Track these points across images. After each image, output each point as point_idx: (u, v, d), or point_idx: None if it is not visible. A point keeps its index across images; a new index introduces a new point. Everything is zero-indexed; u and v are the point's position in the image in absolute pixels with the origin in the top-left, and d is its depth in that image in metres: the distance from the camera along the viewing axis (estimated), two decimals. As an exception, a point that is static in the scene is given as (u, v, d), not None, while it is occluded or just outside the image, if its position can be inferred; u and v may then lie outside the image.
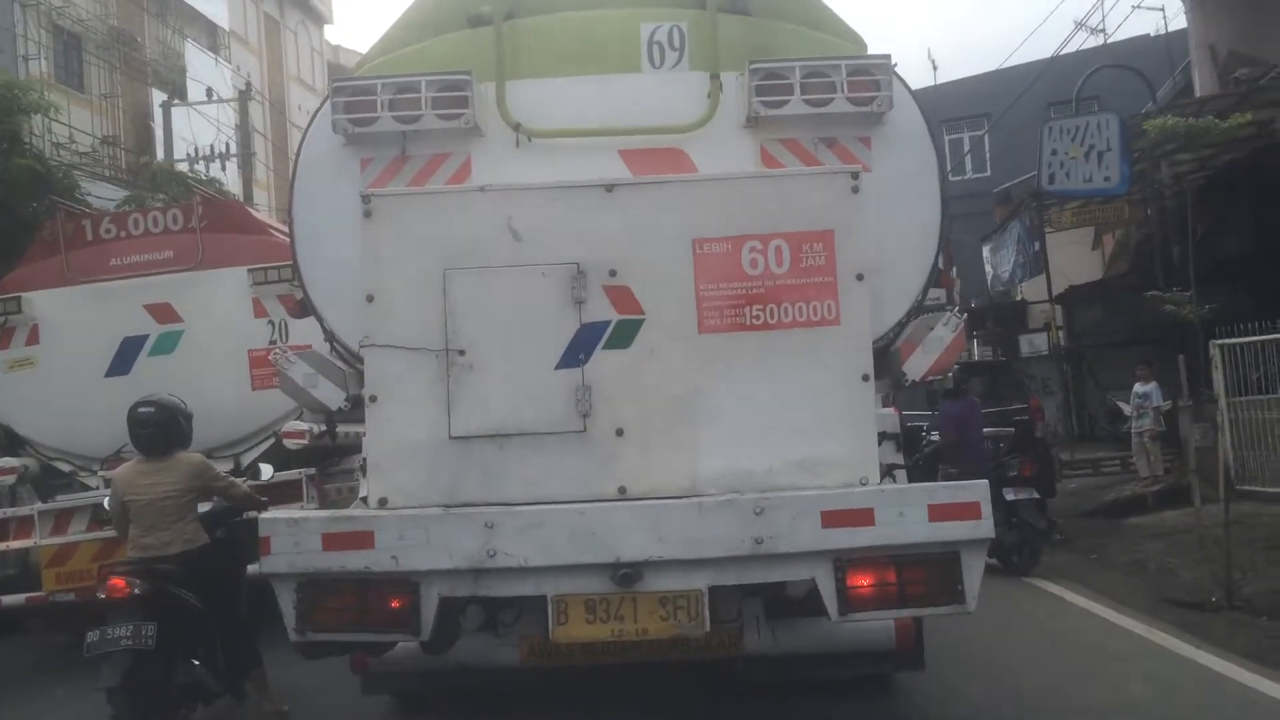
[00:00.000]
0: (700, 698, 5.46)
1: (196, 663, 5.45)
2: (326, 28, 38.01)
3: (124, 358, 8.05)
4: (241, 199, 20.64)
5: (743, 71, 4.76)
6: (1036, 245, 18.67)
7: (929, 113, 5.07)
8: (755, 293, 4.25)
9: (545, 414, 4.25)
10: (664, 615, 4.09)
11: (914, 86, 5.09)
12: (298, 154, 5.17)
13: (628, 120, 4.81)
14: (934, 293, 5.46)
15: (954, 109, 28.44)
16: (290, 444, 7.69)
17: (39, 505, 7.87)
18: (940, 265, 5.07)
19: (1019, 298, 23.34)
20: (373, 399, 4.31)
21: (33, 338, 8.19)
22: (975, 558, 4.07)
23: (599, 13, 5.02)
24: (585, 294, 4.27)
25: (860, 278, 4.25)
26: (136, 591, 5.15)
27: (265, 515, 4.30)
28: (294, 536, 4.12)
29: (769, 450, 4.21)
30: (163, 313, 8.12)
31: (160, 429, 5.66)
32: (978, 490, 4.06)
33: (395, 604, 4.11)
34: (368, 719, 5.77)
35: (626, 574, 4.03)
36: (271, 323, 8.01)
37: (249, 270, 8.05)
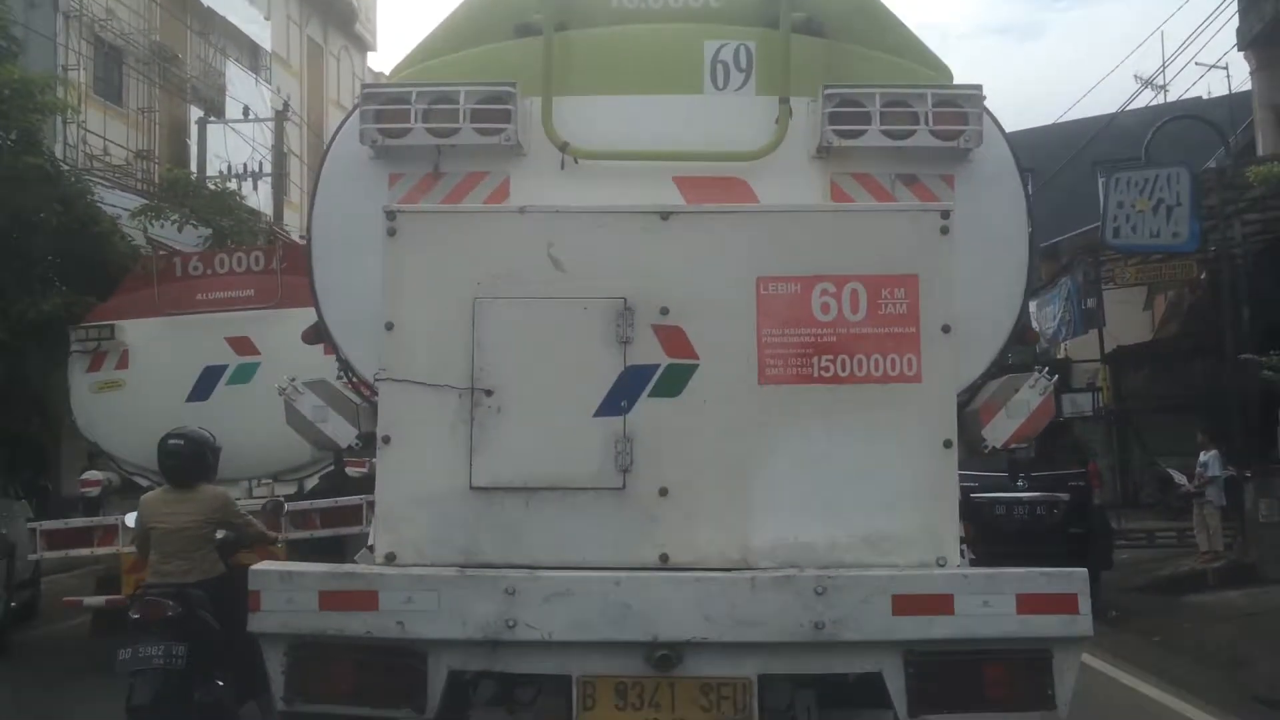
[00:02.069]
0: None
1: (221, 684, 5.63)
2: (369, 55, 38.31)
3: (204, 385, 8.77)
4: (272, 218, 20.63)
5: (815, 97, 4.31)
6: (1088, 302, 18.09)
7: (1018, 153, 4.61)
8: (826, 341, 3.77)
9: (580, 467, 3.76)
10: (705, 705, 3.58)
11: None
12: (320, 166, 4.75)
13: (685, 145, 4.37)
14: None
15: None
16: (352, 472, 8.02)
17: (122, 515, 8.18)
18: (1025, 320, 4.58)
19: (1062, 355, 22.67)
20: (385, 439, 3.84)
21: (122, 362, 8.97)
22: (1070, 657, 3.56)
23: (659, 27, 4.58)
24: (632, 333, 3.80)
25: (946, 330, 3.76)
26: (169, 614, 5.35)
27: (256, 567, 3.81)
28: (287, 592, 3.64)
29: (833, 521, 3.71)
30: (242, 345, 8.82)
31: (187, 461, 5.85)
32: (1075, 580, 3.53)
33: (399, 675, 3.60)
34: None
35: (665, 655, 3.52)
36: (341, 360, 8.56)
37: None
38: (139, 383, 8.82)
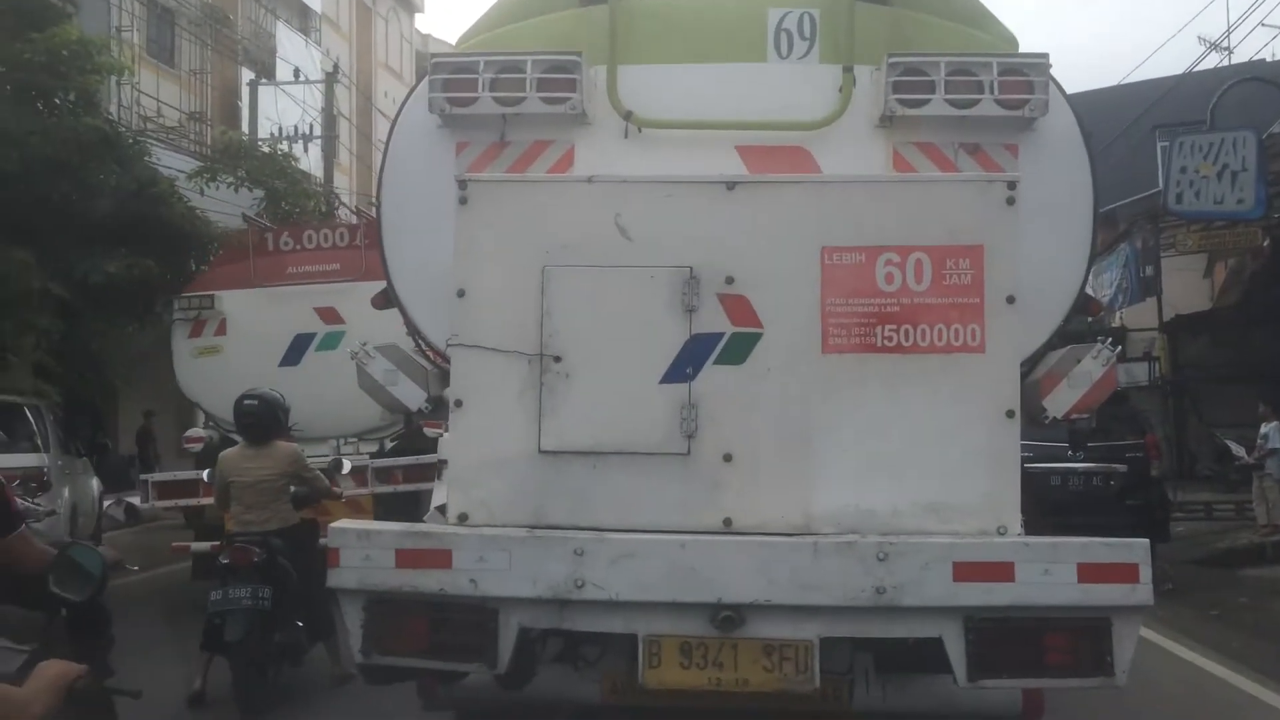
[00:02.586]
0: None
1: (300, 624, 6.25)
2: (418, 16, 38.37)
3: (295, 351, 9.53)
4: (322, 181, 20.94)
5: (879, 65, 4.31)
6: (1147, 270, 17.73)
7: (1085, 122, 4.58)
8: (889, 311, 3.79)
9: (646, 432, 3.83)
10: (768, 666, 3.66)
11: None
12: (389, 135, 4.84)
13: (748, 113, 4.40)
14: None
15: None
16: (430, 433, 8.37)
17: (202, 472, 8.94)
18: (1088, 291, 4.58)
19: (1118, 324, 22.11)
20: (458, 404, 3.94)
21: (220, 329, 9.80)
22: (1129, 626, 3.59)
23: None
24: (697, 302, 3.85)
25: (1010, 300, 3.77)
26: (256, 559, 5.84)
27: (335, 525, 3.94)
28: (365, 550, 3.76)
29: (895, 488, 3.76)
30: (329, 315, 9.56)
31: (262, 420, 6.43)
32: (1138, 551, 3.57)
33: (471, 632, 3.73)
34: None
35: (729, 617, 3.61)
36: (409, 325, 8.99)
37: None
38: (236, 348, 9.60)
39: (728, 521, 3.78)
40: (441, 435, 7.81)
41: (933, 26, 4.56)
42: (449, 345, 4.00)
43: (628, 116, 4.37)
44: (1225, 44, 18.06)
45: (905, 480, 3.76)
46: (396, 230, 4.63)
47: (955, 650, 3.58)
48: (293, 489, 6.44)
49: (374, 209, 5.39)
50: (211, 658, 6.08)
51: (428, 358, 4.71)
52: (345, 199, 24.81)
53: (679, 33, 4.53)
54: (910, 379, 3.79)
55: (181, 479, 9.45)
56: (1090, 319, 22.24)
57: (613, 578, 3.64)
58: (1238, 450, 13.54)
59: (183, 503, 9.34)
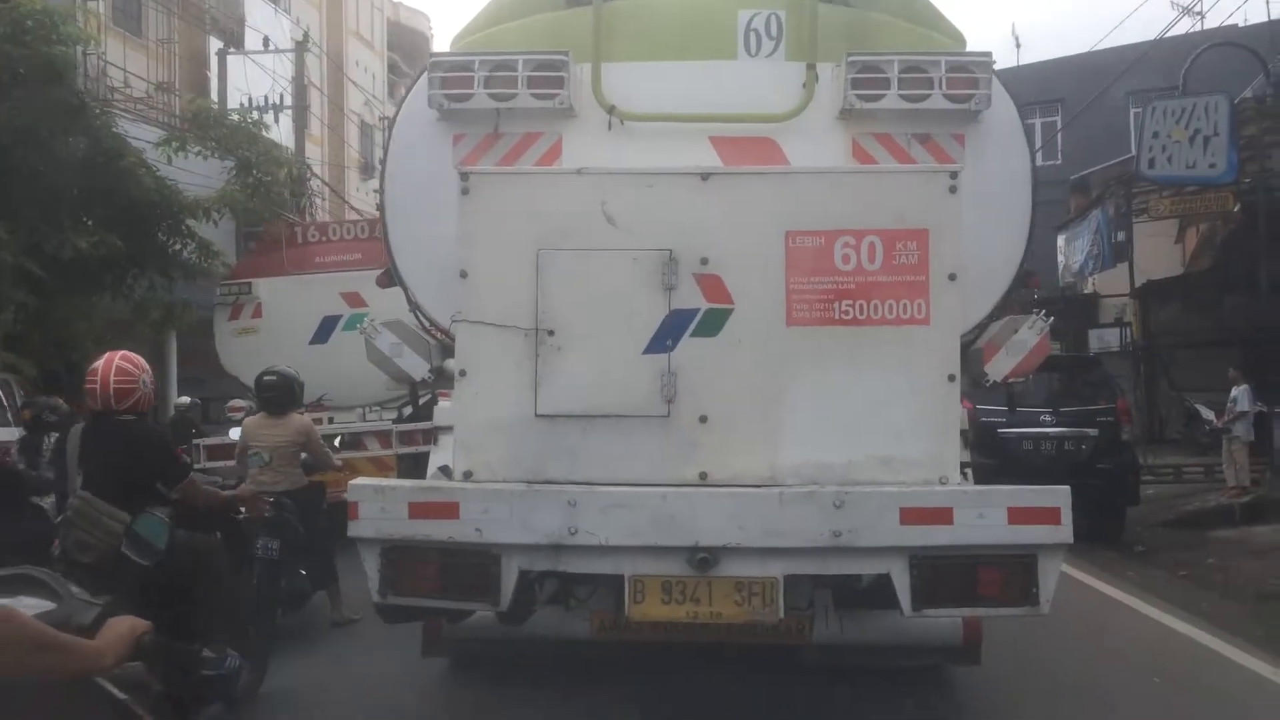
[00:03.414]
0: (756, 678, 5.52)
1: (304, 573, 6.95)
2: (389, -15, 38.02)
3: (324, 331, 11.08)
4: (293, 151, 20.76)
5: (839, 63, 4.77)
6: (1119, 235, 17.98)
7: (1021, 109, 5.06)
8: (845, 288, 4.26)
9: (630, 397, 4.30)
10: (738, 600, 4.15)
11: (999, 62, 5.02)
12: (390, 127, 5.27)
13: (721, 107, 4.84)
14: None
15: (1028, 94, 27.55)
16: (443, 401, 9.21)
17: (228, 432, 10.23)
18: (1027, 266, 5.08)
19: (1089, 290, 22.43)
20: (462, 373, 4.39)
21: (256, 312, 11.51)
22: (1052, 561, 4.09)
23: None
24: (675, 281, 4.30)
25: (952, 278, 4.25)
26: (267, 514, 6.34)
27: (354, 482, 4.41)
28: (381, 503, 4.22)
29: (850, 445, 4.24)
30: (353, 299, 10.93)
31: (280, 393, 7.26)
32: (1059, 496, 4.07)
33: (476, 574, 4.21)
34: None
35: (704, 558, 4.09)
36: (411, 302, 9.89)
37: None
38: (270, 329, 11.26)
39: (703, 475, 4.26)
40: (438, 404, 8.54)
41: (888, 26, 5.02)
42: (454, 322, 4.45)
43: (611, 110, 4.81)
44: (1197, 8, 18.14)
45: (859, 437, 4.24)
46: (399, 215, 5.08)
47: (901, 585, 4.08)
48: (303, 456, 7.19)
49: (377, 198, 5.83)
50: None
51: (429, 332, 5.17)
52: (317, 169, 24.60)
53: (657, 32, 4.97)
54: (864, 348, 4.26)
55: (227, 442, 10.09)
56: (1066, 284, 22.39)
57: (602, 525, 4.12)
58: (1207, 414, 13.76)
59: (227, 463, 10.00)
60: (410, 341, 5.04)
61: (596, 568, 4.25)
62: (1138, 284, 18.72)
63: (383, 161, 5.26)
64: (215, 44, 22.73)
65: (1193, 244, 19.72)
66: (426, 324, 5.14)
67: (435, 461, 5.14)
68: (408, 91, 5.24)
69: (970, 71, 4.73)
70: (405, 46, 40.92)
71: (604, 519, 4.13)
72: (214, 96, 21.18)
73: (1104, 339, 21.07)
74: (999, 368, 4.74)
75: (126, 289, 12.45)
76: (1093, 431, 11.17)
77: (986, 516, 4.03)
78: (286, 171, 17.53)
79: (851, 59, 4.71)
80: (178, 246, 12.65)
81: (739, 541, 4.09)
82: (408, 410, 9.95)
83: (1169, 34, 19.68)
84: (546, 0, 5.16)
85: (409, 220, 5.05)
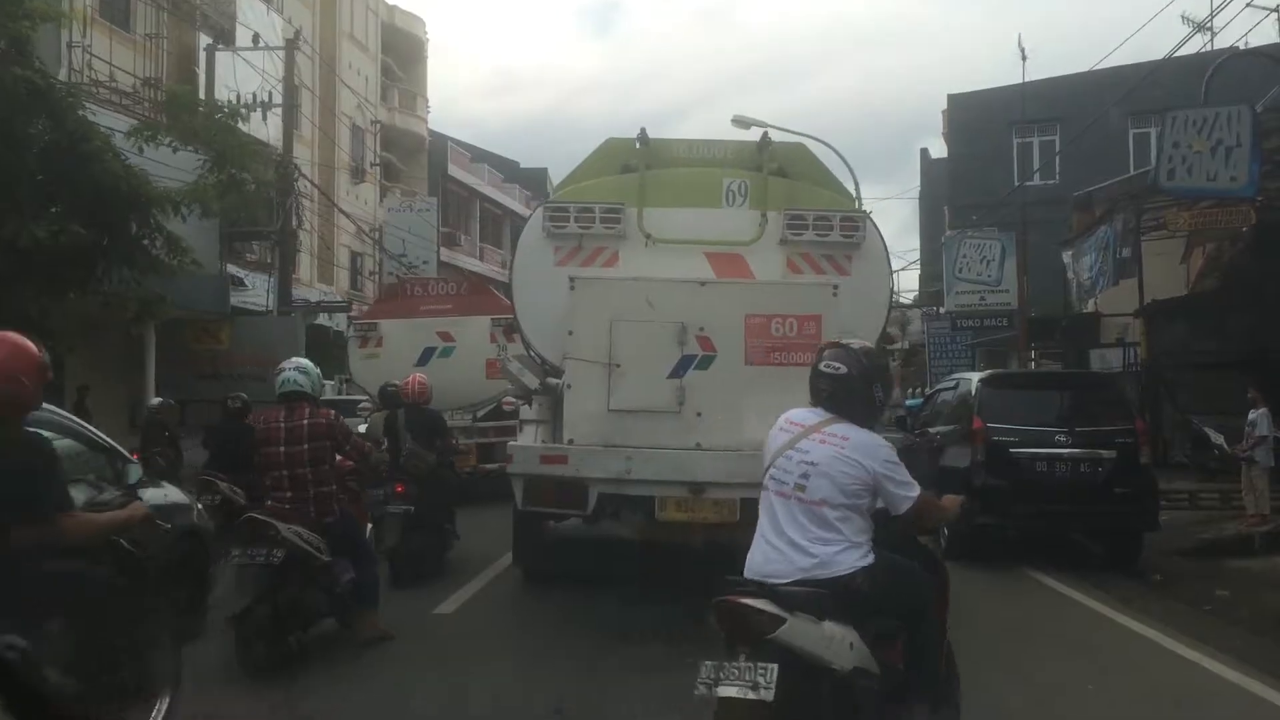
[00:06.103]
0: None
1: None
2: (382, -14, 37.25)
3: (424, 357, 15.04)
4: (281, 151, 20.95)
5: (780, 211, 8.37)
6: (1124, 251, 16.83)
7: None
8: (777, 345, 7.81)
9: (659, 401, 7.84)
10: (715, 509, 7.73)
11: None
12: (516, 244, 8.94)
13: (712, 236, 8.41)
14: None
15: (1028, 112, 27.32)
16: (506, 407, 14.42)
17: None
18: (888, 333, 8.74)
19: (1092, 309, 21.52)
20: (569, 386, 8.00)
21: (379, 343, 15.79)
22: None
23: (698, 170, 8.70)
24: (686, 339, 7.86)
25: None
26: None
27: (512, 442, 8.11)
28: (523, 455, 7.87)
29: None
30: (445, 336, 15.48)
31: (394, 397, 10.72)
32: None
33: (575, 495, 7.80)
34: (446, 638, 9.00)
35: (699, 488, 7.69)
36: (498, 345, 13.93)
37: (491, 318, 15.31)
38: (389, 355, 15.32)
39: (698, 444, 7.81)
40: (521, 408, 11.95)
41: (808, 190, 8.66)
42: (565, 359, 8.05)
43: (648, 236, 8.43)
44: (1209, 25, 16.29)
45: None
46: (522, 293, 8.70)
47: None
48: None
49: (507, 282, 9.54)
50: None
51: (536, 363, 8.79)
52: (305, 170, 24.13)
53: (676, 190, 8.56)
54: (788, 378, 7.62)
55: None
56: (1073, 300, 22.35)
57: (644, 469, 7.67)
58: (1217, 438, 13.07)
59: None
60: (528, 366, 8.67)
61: (641, 491, 7.79)
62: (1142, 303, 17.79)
63: (511, 263, 8.89)
64: (205, 40, 22.31)
65: (1198, 264, 18.68)
66: (537, 358, 8.75)
67: (521, 441, 8.63)
68: (529, 220, 8.90)
69: (854, 220, 8.39)
70: (400, 50, 40.77)
71: (645, 465, 7.69)
72: (201, 94, 18.72)
73: (1106, 359, 20.18)
74: None
75: (95, 283, 11.67)
76: (1109, 453, 10.49)
77: None
78: (273, 171, 18.64)
79: (787, 210, 8.33)
80: (146, 241, 11.89)
81: (717, 479, 7.63)
82: (481, 413, 15.26)
83: (1178, 53, 18.02)
84: (610, 167, 8.78)
85: (528, 297, 8.65)
